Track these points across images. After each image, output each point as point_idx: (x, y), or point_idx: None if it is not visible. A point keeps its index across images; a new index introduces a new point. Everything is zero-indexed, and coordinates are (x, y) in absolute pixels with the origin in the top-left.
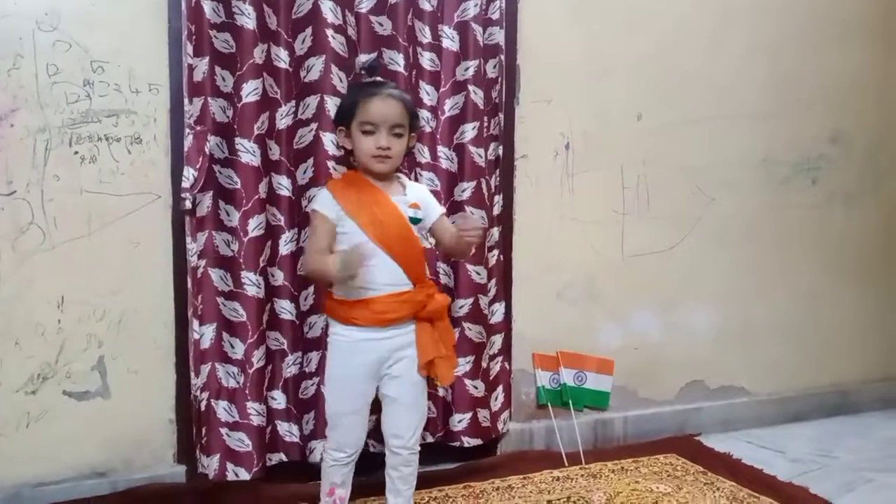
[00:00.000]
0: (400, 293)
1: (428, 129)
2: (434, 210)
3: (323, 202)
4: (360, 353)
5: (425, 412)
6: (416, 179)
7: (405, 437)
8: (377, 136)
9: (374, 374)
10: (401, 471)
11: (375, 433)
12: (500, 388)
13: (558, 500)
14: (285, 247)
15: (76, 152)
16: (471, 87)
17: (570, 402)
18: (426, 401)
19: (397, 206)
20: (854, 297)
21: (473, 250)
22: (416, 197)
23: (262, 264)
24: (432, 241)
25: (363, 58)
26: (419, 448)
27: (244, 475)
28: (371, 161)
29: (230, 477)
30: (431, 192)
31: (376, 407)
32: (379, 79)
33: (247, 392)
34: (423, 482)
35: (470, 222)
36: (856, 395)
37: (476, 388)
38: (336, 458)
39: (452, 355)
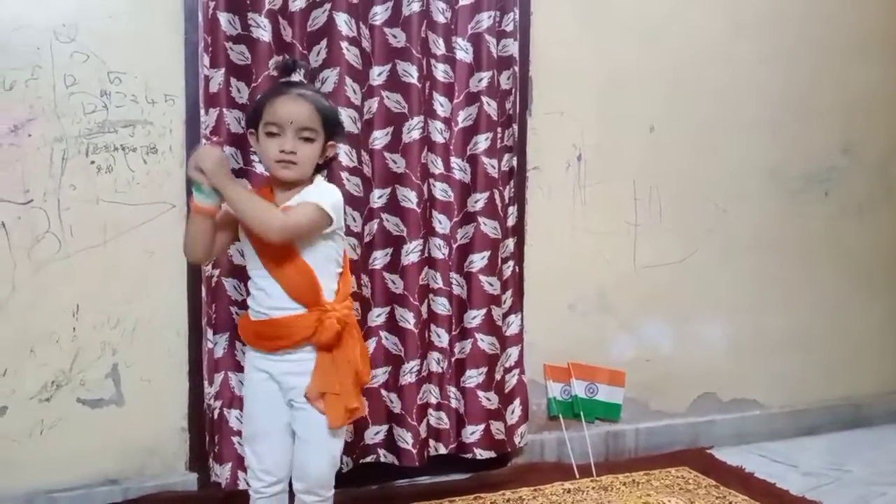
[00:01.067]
0: (285, 318)
1: (442, 140)
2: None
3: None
4: (257, 373)
5: (335, 454)
6: (430, 190)
7: (308, 482)
8: (282, 139)
9: (277, 398)
10: None
11: (387, 442)
12: (517, 402)
13: None
14: None
15: (92, 162)
16: (484, 99)
17: (582, 413)
18: (338, 440)
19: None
20: (867, 308)
21: (257, 218)
22: (296, 200)
23: None
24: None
25: (282, 57)
26: (331, 495)
27: None
28: (275, 167)
29: (242, 486)
30: (444, 202)
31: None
32: (297, 79)
33: None
34: (433, 494)
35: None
36: (869, 408)
37: (489, 399)
38: (256, 487)
39: (349, 393)
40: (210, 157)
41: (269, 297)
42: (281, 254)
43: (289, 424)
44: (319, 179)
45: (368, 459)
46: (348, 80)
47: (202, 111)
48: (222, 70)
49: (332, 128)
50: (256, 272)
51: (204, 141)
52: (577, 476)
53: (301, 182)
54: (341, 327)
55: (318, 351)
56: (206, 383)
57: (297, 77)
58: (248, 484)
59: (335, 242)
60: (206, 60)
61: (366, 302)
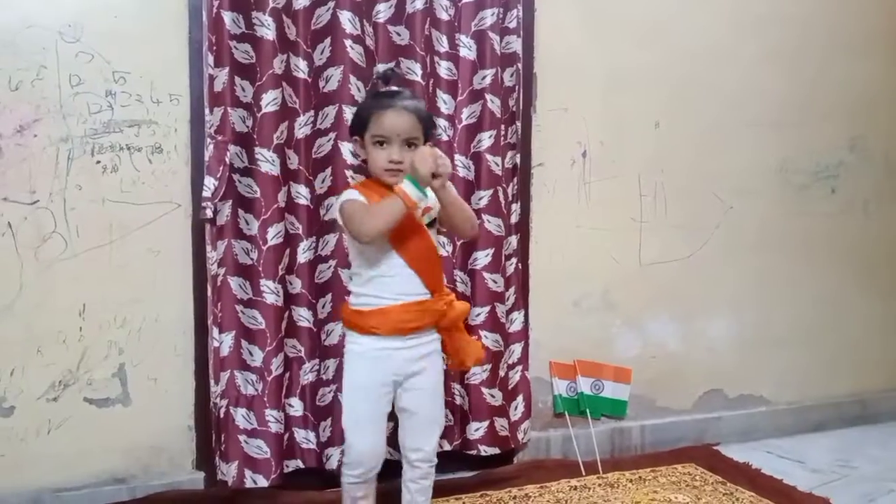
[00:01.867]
0: (419, 302)
1: (445, 138)
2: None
3: (355, 195)
4: (379, 362)
5: (443, 422)
6: None
7: (425, 450)
8: (389, 150)
9: (391, 385)
10: (420, 483)
11: (391, 440)
12: (520, 398)
13: None
14: (303, 255)
15: (98, 162)
16: (488, 96)
17: (588, 410)
18: (444, 410)
19: (414, 215)
20: (874, 305)
21: (470, 217)
22: (430, 199)
23: (280, 272)
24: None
25: (381, 67)
26: (436, 460)
27: (262, 482)
28: (384, 174)
29: (248, 484)
30: None
31: (391, 417)
32: (394, 88)
33: (265, 399)
34: (439, 491)
35: (427, 150)
36: (876, 405)
37: (493, 396)
38: (354, 474)
39: (477, 346)
40: (426, 162)
41: (400, 285)
42: (421, 247)
43: (388, 413)
44: None
45: None
46: (352, 78)
47: (207, 110)
48: (227, 69)
49: (429, 130)
50: (389, 264)
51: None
52: (584, 473)
53: None
54: (463, 309)
55: (441, 332)
56: (211, 382)
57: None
58: (337, 468)
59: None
60: (211, 59)
61: None
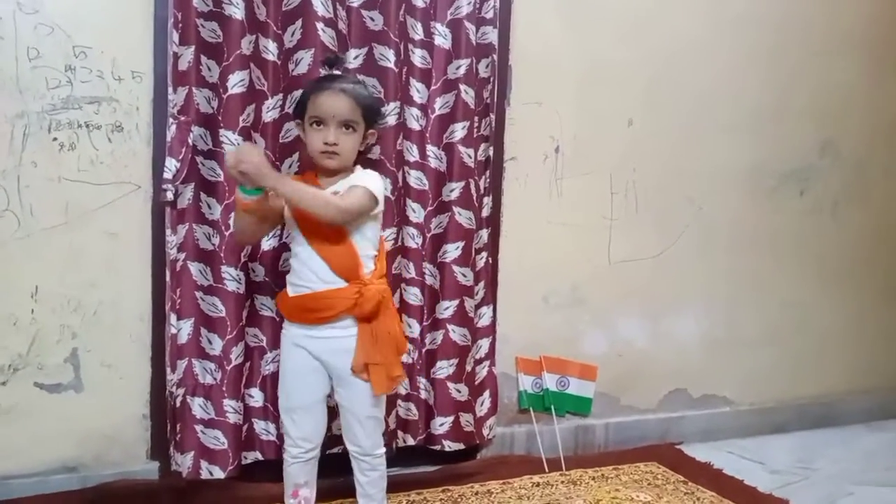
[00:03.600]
0: (327, 291)
1: (418, 128)
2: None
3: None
4: (299, 348)
5: (380, 417)
6: (405, 178)
7: (363, 446)
8: (325, 131)
9: (319, 371)
10: (368, 475)
11: None
12: (486, 394)
13: None
14: (267, 242)
15: (55, 139)
16: (462, 87)
17: (553, 407)
18: (381, 405)
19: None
20: (840, 307)
21: (317, 205)
22: (343, 186)
23: (242, 259)
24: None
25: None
26: (382, 451)
27: (219, 474)
28: (319, 156)
29: (204, 475)
30: (418, 191)
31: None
32: (336, 72)
33: (224, 389)
34: (401, 485)
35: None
36: (839, 406)
37: (459, 391)
38: (293, 454)
39: (391, 362)
40: (252, 159)
41: (313, 273)
42: (329, 233)
43: (325, 396)
44: (359, 169)
45: (335, 450)
46: None
47: (170, 89)
48: (192, 47)
49: (372, 117)
50: (301, 250)
51: (240, 140)
52: (547, 470)
53: (344, 169)
54: (381, 299)
55: (359, 323)
56: (168, 370)
57: (338, 70)
58: (282, 451)
59: (376, 223)
60: (176, 37)
61: None
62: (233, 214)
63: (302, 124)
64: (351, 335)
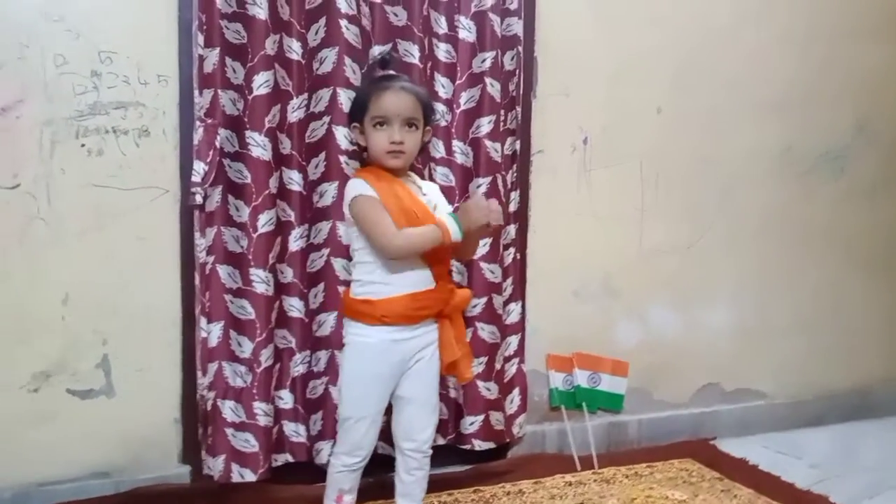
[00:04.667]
0: (427, 290)
1: (443, 123)
2: (444, 208)
3: (365, 187)
4: (386, 353)
5: (438, 412)
6: (431, 175)
7: (419, 440)
8: (390, 131)
9: (396, 376)
10: (414, 474)
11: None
12: (515, 391)
13: None
14: (295, 243)
15: (83, 145)
16: (487, 80)
17: (584, 404)
18: (439, 401)
19: (421, 200)
20: (877, 294)
21: (480, 245)
22: (431, 194)
23: (271, 261)
24: None
25: (377, 50)
26: (430, 452)
27: (250, 477)
28: (385, 157)
29: (235, 478)
30: (444, 188)
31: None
32: (392, 72)
33: (254, 392)
34: (432, 485)
35: (483, 201)
36: (876, 397)
37: (489, 390)
38: (347, 463)
39: (469, 352)
40: (480, 212)
41: (410, 275)
42: None
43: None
44: (419, 179)
45: None
46: (347, 60)
47: (196, 92)
48: (217, 49)
49: (429, 114)
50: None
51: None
52: (579, 468)
53: (406, 167)
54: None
55: (440, 320)
56: (199, 373)
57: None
58: (328, 461)
59: None
60: (201, 39)
61: None
62: (417, 234)
63: (359, 127)
64: (432, 329)
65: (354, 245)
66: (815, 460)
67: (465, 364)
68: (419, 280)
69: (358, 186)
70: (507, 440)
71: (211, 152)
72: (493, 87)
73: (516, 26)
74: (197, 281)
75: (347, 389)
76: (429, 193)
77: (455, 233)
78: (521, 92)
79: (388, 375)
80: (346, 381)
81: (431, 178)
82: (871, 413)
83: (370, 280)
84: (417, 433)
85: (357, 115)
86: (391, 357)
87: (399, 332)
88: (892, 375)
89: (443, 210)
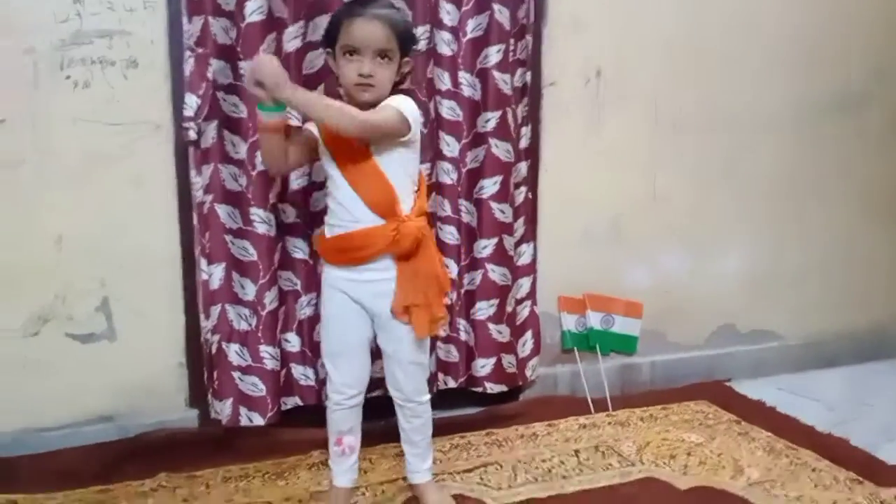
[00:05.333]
0: (364, 229)
1: (449, 53)
2: None
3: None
4: (341, 292)
5: (424, 363)
6: (437, 109)
7: (405, 392)
8: (359, 62)
9: (361, 314)
10: (412, 422)
11: None
12: (528, 334)
13: (585, 448)
14: (296, 181)
15: (68, 77)
16: (496, 6)
17: (597, 346)
18: (424, 350)
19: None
20: (891, 235)
21: (338, 116)
22: None
23: (272, 200)
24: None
25: None
26: (427, 398)
27: (258, 420)
28: (353, 89)
29: (244, 422)
30: (452, 122)
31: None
32: None
33: (259, 335)
34: (444, 428)
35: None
36: (891, 337)
37: (500, 332)
38: (337, 400)
39: (433, 303)
40: (268, 69)
41: (349, 212)
42: (363, 168)
43: (368, 340)
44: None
45: (375, 393)
46: None
47: (185, 19)
48: None
49: (407, 44)
50: (337, 188)
51: (262, 50)
52: (593, 410)
53: (379, 102)
54: (420, 236)
55: (398, 262)
56: (202, 316)
57: None
58: (325, 397)
59: (413, 154)
60: None
61: None
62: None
63: (332, 54)
64: (391, 277)
65: None
66: (831, 402)
67: (418, 315)
68: (361, 217)
69: None
70: (520, 383)
71: (203, 84)
72: (502, 14)
73: None
74: (195, 221)
75: (322, 328)
76: None
77: (262, 114)
78: (532, 20)
79: (345, 314)
80: (322, 321)
81: (437, 113)
82: (886, 353)
83: (326, 219)
84: (401, 385)
85: (329, 40)
86: (341, 296)
87: (344, 272)
88: None
89: None
